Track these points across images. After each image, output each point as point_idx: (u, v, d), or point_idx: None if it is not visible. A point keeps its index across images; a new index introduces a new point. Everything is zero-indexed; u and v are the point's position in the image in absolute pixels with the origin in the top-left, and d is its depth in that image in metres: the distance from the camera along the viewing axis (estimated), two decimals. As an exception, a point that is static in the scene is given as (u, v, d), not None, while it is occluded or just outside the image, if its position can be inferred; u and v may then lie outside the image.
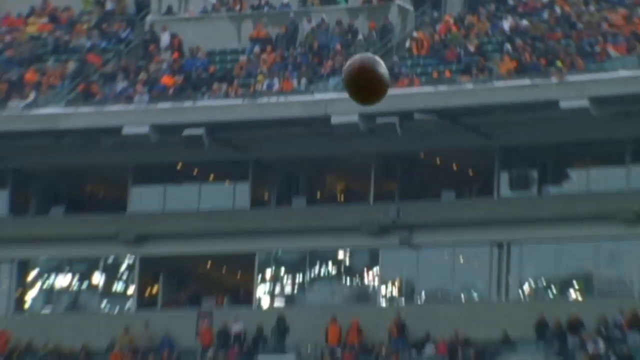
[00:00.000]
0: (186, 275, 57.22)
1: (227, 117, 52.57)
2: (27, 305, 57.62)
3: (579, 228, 50.20)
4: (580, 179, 52.57)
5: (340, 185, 59.07)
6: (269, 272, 55.32)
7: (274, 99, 52.76)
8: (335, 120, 50.18)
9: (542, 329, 48.14)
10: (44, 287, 58.26)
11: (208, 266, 57.30)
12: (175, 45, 58.55)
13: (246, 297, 54.78)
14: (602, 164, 53.27)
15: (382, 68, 4.04)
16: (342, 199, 57.97)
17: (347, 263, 56.56)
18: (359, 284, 56.39)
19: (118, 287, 57.60)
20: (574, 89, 48.13)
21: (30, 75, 56.48)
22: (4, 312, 56.20)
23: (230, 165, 55.64)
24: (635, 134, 49.53)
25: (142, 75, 55.78)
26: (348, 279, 57.02)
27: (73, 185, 59.39)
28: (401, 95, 48.74)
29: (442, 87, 51.29)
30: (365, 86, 4.14)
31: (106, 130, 52.51)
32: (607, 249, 51.48)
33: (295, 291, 55.94)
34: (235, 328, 52.09)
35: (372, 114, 50.34)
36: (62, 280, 57.84)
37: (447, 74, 51.93)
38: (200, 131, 51.24)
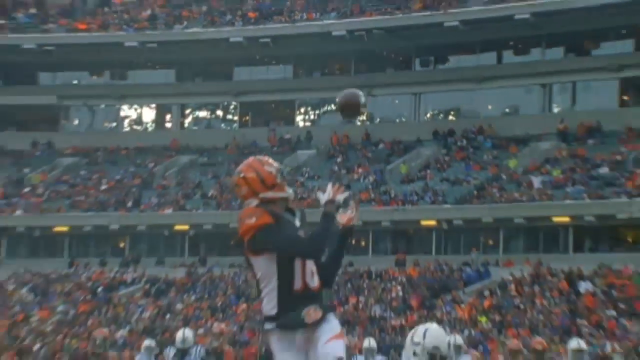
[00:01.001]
0: (263, 111, 53.81)
1: (279, 32, 48.59)
2: (185, 125, 55.42)
3: (453, 85, 48.08)
4: (455, 61, 49.00)
5: (335, 66, 53.05)
6: (302, 109, 54.00)
7: (304, 23, 48.70)
8: (335, 34, 46.71)
9: (436, 135, 47.23)
10: (192, 116, 56.29)
11: (273, 106, 54.43)
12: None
13: (291, 121, 52.89)
14: (465, 53, 48.61)
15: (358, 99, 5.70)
16: (336, 74, 52.91)
17: (341, 104, 54.18)
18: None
19: (237, 117, 54.90)
20: (451, 17, 44.59)
21: (185, 13, 51.20)
22: (174, 129, 54.15)
23: (285, 58, 51.24)
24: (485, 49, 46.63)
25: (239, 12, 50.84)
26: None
27: (205, 65, 52.93)
28: (364, 21, 47.15)
29: (385, 17, 47.55)
30: (350, 113, 5.74)
31: (221, 40, 48.57)
32: (468, 96, 48.59)
33: (316, 118, 54.51)
34: (287, 136, 50.99)
35: (342, 35, 46.86)
36: (202, 114, 56.46)
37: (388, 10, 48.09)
38: (268, 40, 48.26)
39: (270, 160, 5.70)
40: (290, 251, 5.33)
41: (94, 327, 34.36)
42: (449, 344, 5.83)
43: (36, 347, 35.39)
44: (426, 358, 5.70)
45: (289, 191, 5.61)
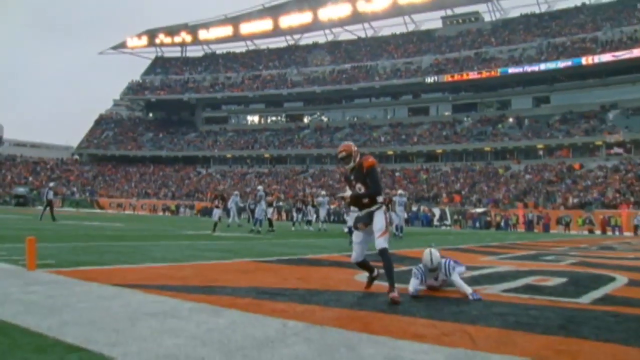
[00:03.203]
0: (294, 118, 59.72)
1: (301, 91, 56.56)
2: (268, 122, 62.53)
3: (354, 109, 57.11)
4: (357, 102, 57.04)
5: (317, 103, 58.72)
6: (307, 117, 61.71)
7: (307, 87, 57.19)
8: (317, 91, 56.66)
9: (350, 126, 54.79)
10: (270, 119, 64.30)
11: (297, 116, 60.59)
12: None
13: (302, 121, 60.59)
14: (359, 98, 57.46)
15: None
16: (317, 105, 60.65)
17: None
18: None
19: (284, 120, 61.81)
20: (355, 86, 53.70)
21: (269, 85, 61.26)
22: (264, 124, 63.00)
23: (299, 99, 58.48)
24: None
25: (286, 83, 58.46)
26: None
27: (274, 103, 62.81)
28: (327, 87, 57.22)
29: (335, 86, 55.72)
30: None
31: (279, 94, 58.62)
32: (360, 112, 57.33)
33: (311, 120, 61.34)
34: (301, 125, 59.52)
35: (320, 92, 57.81)
36: (273, 118, 63.60)
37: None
38: (295, 93, 58.17)
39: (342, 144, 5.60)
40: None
41: (224, 185, 49.62)
42: (431, 260, 5.46)
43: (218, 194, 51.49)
44: (423, 268, 5.64)
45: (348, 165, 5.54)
